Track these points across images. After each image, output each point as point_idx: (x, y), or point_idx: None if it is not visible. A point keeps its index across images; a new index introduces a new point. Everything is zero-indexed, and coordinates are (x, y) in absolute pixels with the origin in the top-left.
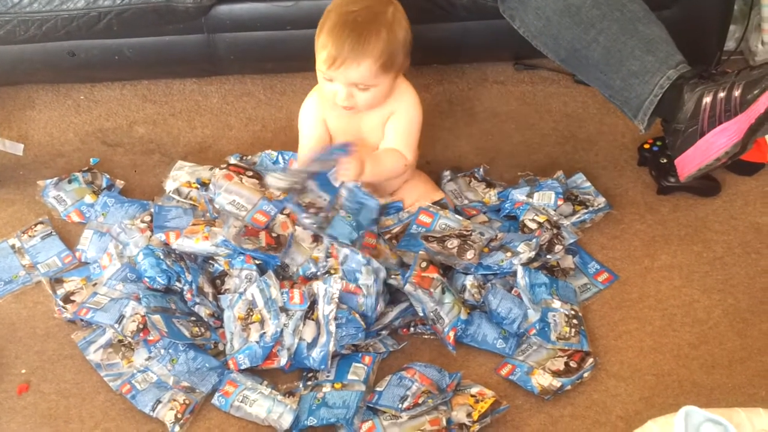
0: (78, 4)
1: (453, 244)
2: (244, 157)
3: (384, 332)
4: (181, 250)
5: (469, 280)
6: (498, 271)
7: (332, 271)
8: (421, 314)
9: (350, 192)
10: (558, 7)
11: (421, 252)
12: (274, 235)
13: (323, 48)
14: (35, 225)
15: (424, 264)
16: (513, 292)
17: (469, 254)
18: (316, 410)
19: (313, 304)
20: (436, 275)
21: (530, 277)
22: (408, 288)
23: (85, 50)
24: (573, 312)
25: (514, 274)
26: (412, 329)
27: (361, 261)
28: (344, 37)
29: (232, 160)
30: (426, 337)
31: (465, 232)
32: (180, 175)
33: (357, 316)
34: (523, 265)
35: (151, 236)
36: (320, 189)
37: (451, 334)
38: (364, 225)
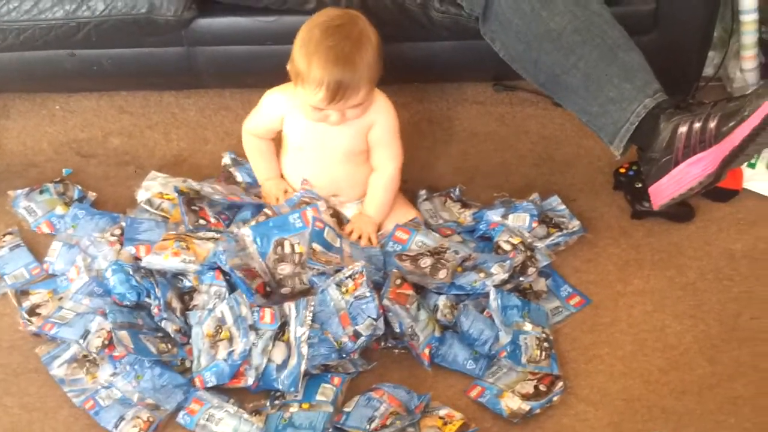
0: (57, 14)
1: (426, 263)
2: (239, 158)
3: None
4: (149, 267)
5: (441, 300)
6: (471, 292)
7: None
8: (398, 330)
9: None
10: (539, 32)
11: (394, 270)
12: (269, 289)
13: (318, 85)
14: (4, 235)
15: (398, 281)
16: (485, 313)
17: (442, 273)
18: (282, 430)
19: (284, 325)
20: (411, 292)
21: (502, 299)
22: (386, 302)
23: (62, 60)
24: (544, 335)
25: (487, 295)
26: (382, 344)
27: (372, 312)
28: (342, 74)
29: (227, 159)
30: (397, 352)
31: (440, 249)
32: (152, 186)
33: (330, 336)
34: (496, 286)
35: (120, 250)
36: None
37: (426, 351)
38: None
